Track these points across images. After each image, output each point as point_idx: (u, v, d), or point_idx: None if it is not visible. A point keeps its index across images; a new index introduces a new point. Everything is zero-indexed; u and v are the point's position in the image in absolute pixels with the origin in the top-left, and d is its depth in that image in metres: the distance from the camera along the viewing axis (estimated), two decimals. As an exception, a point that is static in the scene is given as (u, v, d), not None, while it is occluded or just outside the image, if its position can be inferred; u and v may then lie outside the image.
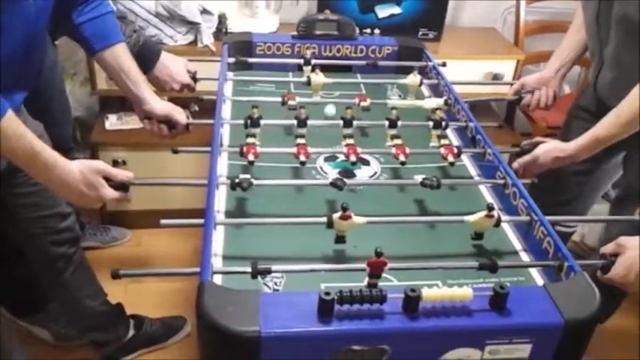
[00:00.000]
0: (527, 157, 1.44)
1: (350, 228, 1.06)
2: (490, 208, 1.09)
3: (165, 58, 1.59)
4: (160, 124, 1.48)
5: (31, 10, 1.09)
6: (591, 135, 1.40)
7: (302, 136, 1.32)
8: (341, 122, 1.36)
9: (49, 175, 1.12)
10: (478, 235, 1.13)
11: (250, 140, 1.28)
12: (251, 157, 1.24)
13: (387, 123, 1.37)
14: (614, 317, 1.77)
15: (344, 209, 1.04)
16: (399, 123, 1.37)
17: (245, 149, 1.25)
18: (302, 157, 1.26)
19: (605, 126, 1.38)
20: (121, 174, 1.20)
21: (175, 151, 1.38)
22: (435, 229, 1.17)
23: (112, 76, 1.43)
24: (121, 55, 1.39)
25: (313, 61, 1.63)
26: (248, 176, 1.16)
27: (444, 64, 1.77)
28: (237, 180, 1.15)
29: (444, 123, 1.40)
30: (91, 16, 1.35)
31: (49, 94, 1.76)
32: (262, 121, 1.34)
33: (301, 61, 1.65)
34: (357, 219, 1.06)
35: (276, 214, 1.15)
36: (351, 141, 1.33)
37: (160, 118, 1.47)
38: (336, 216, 1.05)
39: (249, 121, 1.33)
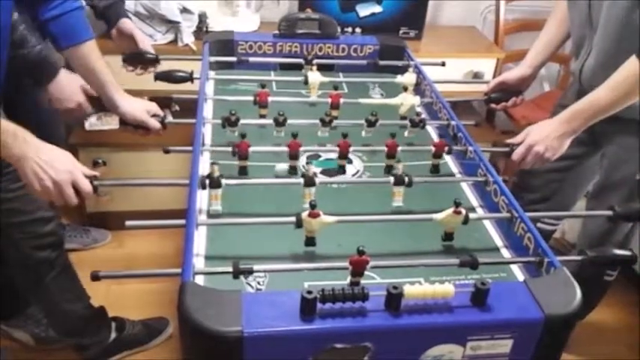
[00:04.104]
0: (521, 149, 1.41)
1: (320, 227, 1.06)
2: (457, 204, 1.09)
3: (62, 75, 1.49)
4: (137, 128, 1.45)
5: None
6: (582, 101, 1.39)
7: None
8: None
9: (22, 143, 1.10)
10: (448, 236, 1.13)
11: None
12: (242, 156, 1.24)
13: (365, 123, 1.38)
14: (594, 312, 1.79)
15: (312, 207, 1.03)
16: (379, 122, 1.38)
17: (236, 147, 1.24)
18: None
19: (596, 92, 1.37)
20: (88, 171, 1.18)
21: (167, 151, 1.34)
22: (417, 226, 1.17)
23: (81, 75, 1.40)
24: (88, 54, 1.35)
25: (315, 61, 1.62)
26: (217, 174, 1.14)
27: (443, 64, 1.79)
28: (207, 177, 1.14)
29: (421, 123, 1.42)
30: (58, 12, 1.30)
31: (37, 93, 1.74)
32: (241, 121, 1.33)
33: (285, 60, 1.66)
34: (326, 218, 1.06)
35: (259, 214, 1.15)
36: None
37: (132, 123, 1.44)
38: (304, 214, 1.05)
39: (226, 122, 1.33)
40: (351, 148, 1.34)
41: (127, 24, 1.69)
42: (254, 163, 1.28)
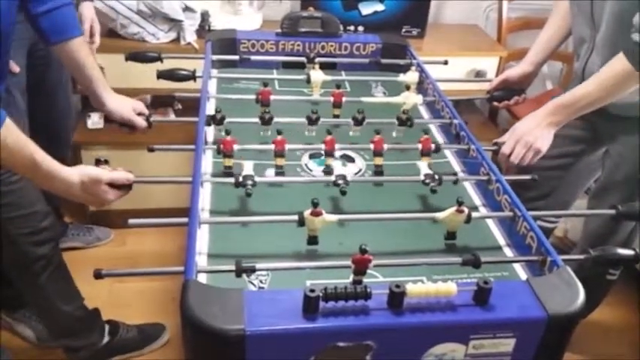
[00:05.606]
0: (509, 142, 1.41)
1: (322, 226, 1.06)
2: (460, 203, 1.09)
3: None
4: (122, 126, 1.44)
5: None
6: (568, 94, 1.39)
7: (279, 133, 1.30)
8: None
9: (51, 185, 1.12)
10: (451, 235, 1.13)
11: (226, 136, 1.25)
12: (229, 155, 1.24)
13: (352, 121, 1.38)
14: (596, 311, 1.79)
15: (314, 205, 1.03)
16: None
17: (223, 145, 1.23)
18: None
19: (583, 86, 1.37)
20: (121, 178, 1.17)
21: (151, 150, 1.33)
22: (420, 225, 1.17)
23: (69, 70, 1.41)
24: (76, 50, 1.34)
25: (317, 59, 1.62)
26: (252, 174, 1.16)
27: (445, 63, 1.79)
28: (241, 179, 1.15)
29: (409, 122, 1.41)
30: (48, 7, 1.29)
31: (54, 90, 1.77)
32: (240, 120, 1.34)
33: (288, 58, 1.65)
34: (328, 216, 1.05)
35: (262, 212, 1.15)
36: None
37: (118, 121, 1.44)
38: (307, 213, 1.05)
39: (212, 121, 1.33)
40: (353, 146, 1.34)
41: (82, 8, 1.73)
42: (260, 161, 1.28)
